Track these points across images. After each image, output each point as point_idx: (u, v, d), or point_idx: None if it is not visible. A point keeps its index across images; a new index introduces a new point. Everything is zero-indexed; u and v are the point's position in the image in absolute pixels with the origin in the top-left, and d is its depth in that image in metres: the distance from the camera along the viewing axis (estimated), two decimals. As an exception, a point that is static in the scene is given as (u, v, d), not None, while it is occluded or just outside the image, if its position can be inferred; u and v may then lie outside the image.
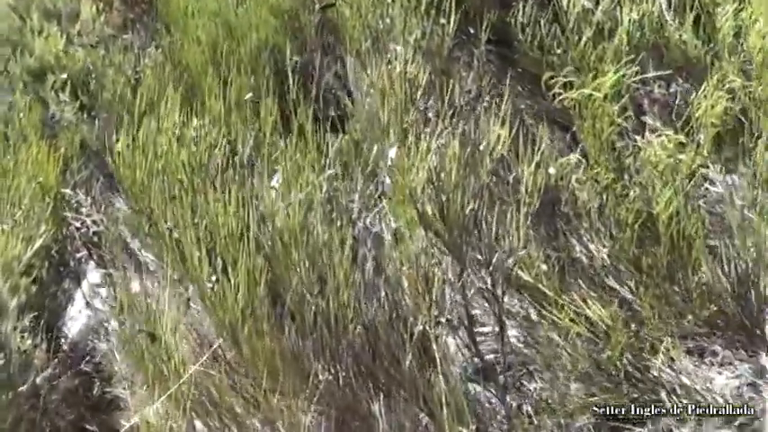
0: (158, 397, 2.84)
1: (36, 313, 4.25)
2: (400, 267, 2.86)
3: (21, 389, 3.82)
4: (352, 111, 3.85)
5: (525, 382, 3.18)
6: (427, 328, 2.72)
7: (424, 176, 2.67)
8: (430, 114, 2.78)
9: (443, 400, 2.68)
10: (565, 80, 3.09)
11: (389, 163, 2.67)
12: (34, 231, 4.25)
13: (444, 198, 2.69)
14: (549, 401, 3.06)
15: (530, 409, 3.11)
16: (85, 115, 5.34)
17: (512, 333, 3.12)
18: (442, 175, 2.67)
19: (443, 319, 2.76)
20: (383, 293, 2.83)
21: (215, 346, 2.83)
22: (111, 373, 4.21)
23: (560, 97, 3.10)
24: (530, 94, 3.65)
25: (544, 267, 3.15)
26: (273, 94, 3.71)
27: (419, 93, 2.81)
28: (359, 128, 3.57)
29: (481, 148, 2.68)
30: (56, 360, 4.31)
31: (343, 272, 2.82)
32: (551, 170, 3.09)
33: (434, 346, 2.74)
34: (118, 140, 4.29)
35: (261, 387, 2.88)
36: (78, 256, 4.70)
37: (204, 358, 2.77)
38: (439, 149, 2.66)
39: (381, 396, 2.84)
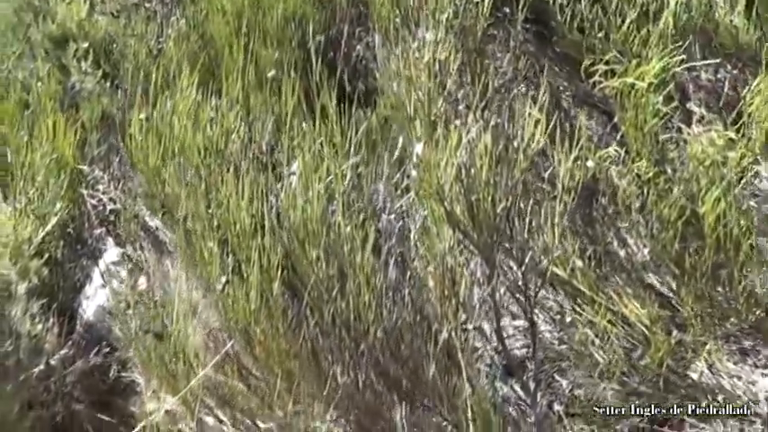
0: (169, 395, 2.67)
1: (48, 296, 4.12)
2: (426, 267, 2.67)
3: (32, 371, 3.68)
4: (381, 86, 3.64)
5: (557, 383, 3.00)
6: (453, 335, 2.54)
7: (452, 173, 2.47)
8: (460, 106, 2.58)
9: (469, 412, 2.51)
10: (606, 68, 2.87)
11: (415, 160, 2.47)
12: (49, 209, 4.09)
13: (474, 197, 2.50)
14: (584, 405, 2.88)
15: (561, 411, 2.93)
16: (108, 85, 5.15)
17: (544, 328, 2.94)
18: (472, 171, 2.48)
19: (471, 326, 2.58)
20: (407, 294, 2.65)
21: (227, 347, 2.66)
22: (128, 356, 4.07)
23: (601, 85, 2.88)
24: (567, 76, 3.43)
25: (579, 263, 2.96)
26: (297, 72, 3.51)
27: (449, 80, 2.61)
28: (388, 103, 3.37)
29: (515, 143, 2.48)
30: (70, 342, 4.16)
31: (365, 270, 2.63)
32: (590, 163, 2.88)
33: (460, 354, 2.56)
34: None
35: (275, 390, 2.72)
36: (95, 233, 4.54)
37: (214, 361, 2.60)
38: (469, 144, 2.46)
39: (404, 403, 2.67)
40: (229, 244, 2.65)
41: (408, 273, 2.77)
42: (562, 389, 2.97)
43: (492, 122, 2.49)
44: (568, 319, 2.91)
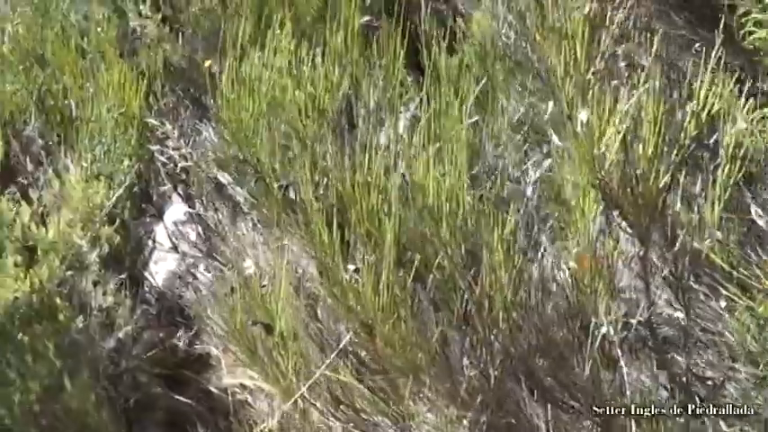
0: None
1: (118, 262, 3.80)
2: (566, 247, 2.32)
3: (103, 348, 3.37)
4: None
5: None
6: (610, 330, 2.19)
7: (616, 142, 2.11)
8: (621, 64, 2.20)
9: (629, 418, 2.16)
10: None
11: (579, 128, 2.11)
12: (116, 168, 3.75)
13: (639, 170, 2.13)
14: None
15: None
16: (167, 30, 4.77)
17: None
18: (636, 140, 2.11)
19: (635, 320, 2.23)
20: (554, 281, 2.30)
21: (344, 342, 2.32)
22: (201, 326, 3.75)
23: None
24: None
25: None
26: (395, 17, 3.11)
27: (607, 34, 2.23)
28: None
29: (688, 108, 2.11)
30: (139, 312, 3.84)
31: (503, 251, 2.28)
32: (741, 124, 2.50)
33: (618, 352, 2.21)
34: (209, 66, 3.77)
35: (398, 387, 2.38)
36: (162, 190, 4.20)
37: (331, 358, 2.27)
38: (633, 108, 2.10)
39: (548, 406, 2.33)
40: (351, 225, 2.30)
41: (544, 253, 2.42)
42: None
43: (658, 83, 2.11)
44: (723, 304, 2.54)
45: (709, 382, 2.44)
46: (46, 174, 3.77)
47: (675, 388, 2.30)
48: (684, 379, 2.38)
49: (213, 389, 3.64)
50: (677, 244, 2.36)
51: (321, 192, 2.45)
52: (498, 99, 3.00)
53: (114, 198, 3.42)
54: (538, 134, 2.91)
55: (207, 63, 4.41)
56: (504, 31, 3.14)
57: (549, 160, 2.49)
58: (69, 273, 3.05)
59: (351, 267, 2.25)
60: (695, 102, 2.15)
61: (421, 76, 3.02)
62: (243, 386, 3.27)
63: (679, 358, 2.46)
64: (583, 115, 2.09)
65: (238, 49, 2.97)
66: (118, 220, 3.68)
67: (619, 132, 2.08)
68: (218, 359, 3.55)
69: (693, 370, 2.46)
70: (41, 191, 3.41)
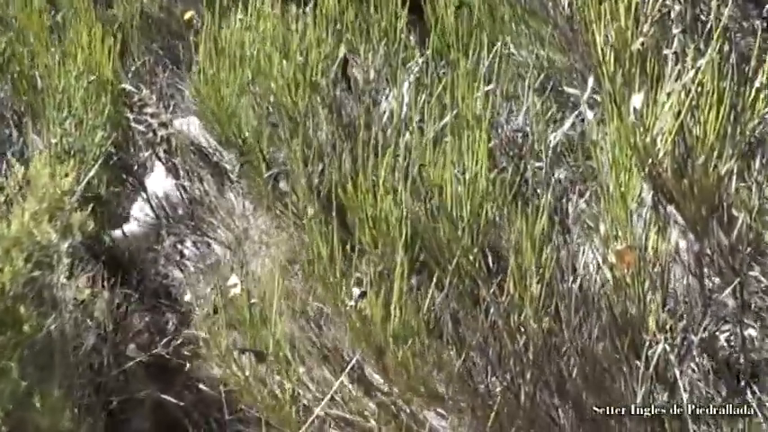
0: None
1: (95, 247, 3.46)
2: (614, 243, 1.97)
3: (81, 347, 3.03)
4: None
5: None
6: (666, 348, 1.84)
7: (672, 126, 1.75)
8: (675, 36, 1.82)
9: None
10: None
11: (633, 116, 1.74)
12: (89, 141, 3.38)
13: (700, 160, 1.77)
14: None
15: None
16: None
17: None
18: (695, 125, 1.75)
19: (696, 337, 1.88)
20: (596, 290, 1.95)
21: (351, 364, 1.97)
22: (189, 309, 3.42)
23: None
24: None
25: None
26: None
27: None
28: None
29: (753, 88, 1.75)
30: (122, 295, 3.51)
31: (532, 253, 1.93)
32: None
33: (676, 373, 1.87)
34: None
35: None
36: (143, 159, 3.84)
37: (336, 385, 1.92)
38: (689, 88, 1.73)
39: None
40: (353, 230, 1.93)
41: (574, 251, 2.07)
42: None
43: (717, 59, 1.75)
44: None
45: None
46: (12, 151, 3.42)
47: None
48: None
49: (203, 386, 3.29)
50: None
51: (316, 184, 2.09)
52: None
53: (86, 179, 3.05)
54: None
55: (187, 15, 4.03)
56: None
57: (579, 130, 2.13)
58: (37, 272, 2.69)
59: (356, 291, 1.89)
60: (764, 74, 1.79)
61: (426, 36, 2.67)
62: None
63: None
64: (636, 101, 1.72)
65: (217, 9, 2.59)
66: (93, 197, 3.33)
67: (676, 116, 1.71)
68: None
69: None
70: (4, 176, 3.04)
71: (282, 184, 2.37)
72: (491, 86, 2.35)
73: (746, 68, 1.81)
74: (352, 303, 1.86)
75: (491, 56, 2.38)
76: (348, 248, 1.92)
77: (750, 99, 1.80)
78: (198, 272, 3.61)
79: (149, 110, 3.59)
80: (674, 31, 1.80)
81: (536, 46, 2.70)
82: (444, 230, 1.92)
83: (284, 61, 2.33)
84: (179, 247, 3.76)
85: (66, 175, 2.93)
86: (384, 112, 2.29)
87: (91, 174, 3.11)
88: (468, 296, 1.97)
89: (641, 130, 1.73)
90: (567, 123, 2.16)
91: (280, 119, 2.33)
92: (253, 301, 2.04)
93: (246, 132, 2.41)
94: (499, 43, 2.45)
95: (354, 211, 1.94)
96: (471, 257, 1.93)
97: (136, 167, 3.84)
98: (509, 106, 2.54)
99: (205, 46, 2.49)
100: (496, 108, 2.33)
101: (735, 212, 1.98)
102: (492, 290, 1.94)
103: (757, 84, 1.79)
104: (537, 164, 2.26)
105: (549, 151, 2.18)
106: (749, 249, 2.00)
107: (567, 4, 2.19)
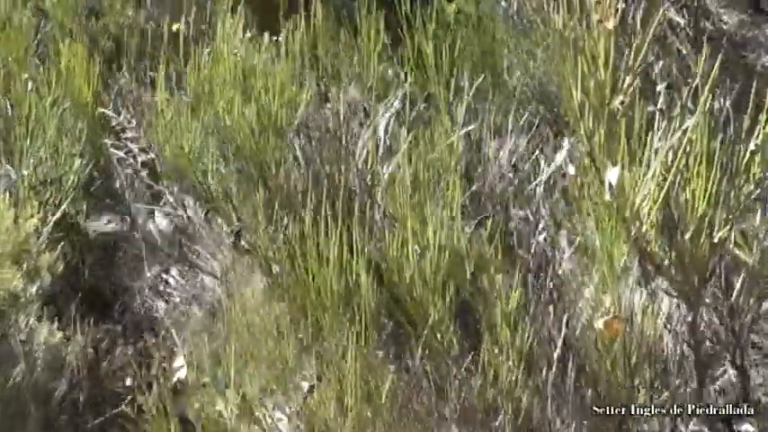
0: None
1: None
2: (596, 313, 1.80)
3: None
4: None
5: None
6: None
7: (655, 195, 1.57)
8: (658, 88, 1.63)
9: None
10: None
11: (608, 193, 1.55)
12: (65, 171, 3.21)
13: (690, 228, 1.59)
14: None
15: None
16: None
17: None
18: (682, 199, 1.57)
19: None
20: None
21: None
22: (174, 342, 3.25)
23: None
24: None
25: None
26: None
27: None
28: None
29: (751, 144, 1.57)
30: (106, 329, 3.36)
31: (508, 328, 1.76)
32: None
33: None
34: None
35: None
36: (124, 184, 3.67)
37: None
38: (676, 147, 1.55)
39: None
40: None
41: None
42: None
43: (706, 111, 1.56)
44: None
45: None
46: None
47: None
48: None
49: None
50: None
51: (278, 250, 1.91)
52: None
53: (54, 218, 2.88)
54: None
55: (175, 27, 3.86)
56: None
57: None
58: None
59: (305, 385, 1.71)
60: (759, 134, 1.60)
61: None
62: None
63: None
64: (612, 175, 1.53)
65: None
66: (68, 232, 3.18)
67: (660, 187, 1.53)
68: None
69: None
70: (-35, 218, 2.87)
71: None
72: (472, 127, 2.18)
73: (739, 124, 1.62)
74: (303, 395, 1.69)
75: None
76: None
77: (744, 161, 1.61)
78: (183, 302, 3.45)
79: (129, 134, 3.42)
80: (659, 87, 1.61)
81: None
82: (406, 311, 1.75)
83: (247, 105, 2.15)
84: (164, 276, 3.60)
85: (32, 216, 2.77)
86: (358, 157, 2.11)
87: (64, 206, 2.93)
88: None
89: (621, 201, 1.54)
90: (546, 174, 1.97)
91: (245, 165, 2.15)
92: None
93: (210, 180, 2.23)
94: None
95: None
96: (439, 335, 1.76)
97: (119, 192, 3.67)
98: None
99: (166, 83, 2.31)
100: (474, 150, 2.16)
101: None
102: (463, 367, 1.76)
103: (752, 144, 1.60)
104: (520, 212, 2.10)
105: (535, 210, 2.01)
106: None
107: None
